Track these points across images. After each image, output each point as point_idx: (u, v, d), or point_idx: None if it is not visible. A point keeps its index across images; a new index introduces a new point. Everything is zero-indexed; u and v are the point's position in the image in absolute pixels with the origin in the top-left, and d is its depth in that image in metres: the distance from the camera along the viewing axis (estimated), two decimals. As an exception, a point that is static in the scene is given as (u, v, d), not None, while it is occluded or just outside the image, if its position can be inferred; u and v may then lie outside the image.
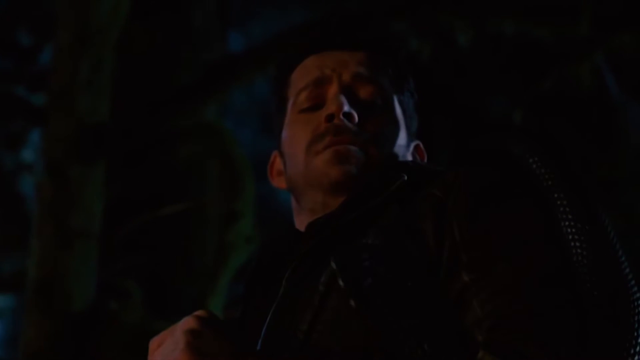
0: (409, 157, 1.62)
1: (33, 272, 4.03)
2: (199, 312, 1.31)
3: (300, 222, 1.54)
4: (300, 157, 1.55)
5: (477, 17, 4.14)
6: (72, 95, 4.20)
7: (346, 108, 1.53)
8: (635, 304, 1.30)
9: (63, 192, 4.09)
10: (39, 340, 3.91)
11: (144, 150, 4.30)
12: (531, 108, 4.37)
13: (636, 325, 1.28)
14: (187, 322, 1.29)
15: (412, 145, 1.64)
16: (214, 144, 4.23)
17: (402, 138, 1.59)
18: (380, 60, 1.63)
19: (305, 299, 1.36)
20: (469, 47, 4.35)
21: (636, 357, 1.26)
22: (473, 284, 1.29)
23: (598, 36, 4.05)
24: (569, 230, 1.34)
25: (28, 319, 4.02)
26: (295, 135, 1.59)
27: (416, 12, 4.04)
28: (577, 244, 1.32)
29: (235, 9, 5.63)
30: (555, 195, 1.36)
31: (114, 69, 4.27)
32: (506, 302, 1.27)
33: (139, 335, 3.87)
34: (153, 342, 1.34)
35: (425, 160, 1.67)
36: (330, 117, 1.54)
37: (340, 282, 1.32)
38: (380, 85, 1.60)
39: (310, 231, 1.45)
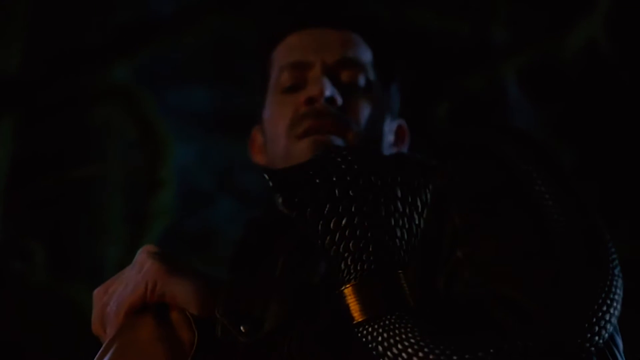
0: (391, 138, 1.63)
1: None
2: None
3: None
4: (281, 140, 1.55)
5: (398, 7, 4.21)
6: (-19, 45, 4.02)
7: (328, 92, 1.52)
8: (614, 270, 1.33)
9: (-32, 145, 3.91)
10: None
11: (54, 108, 4.15)
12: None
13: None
14: (145, 247, 1.28)
15: (395, 124, 1.65)
16: (129, 107, 4.12)
17: (384, 122, 1.60)
18: (364, 40, 1.63)
19: (305, 281, 1.35)
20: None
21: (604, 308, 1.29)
22: (465, 258, 1.30)
23: (518, 40, 4.19)
24: (546, 200, 1.36)
25: None
26: (276, 115, 1.58)
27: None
28: (558, 218, 1.33)
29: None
30: (537, 188, 1.37)
31: (28, 21, 4.10)
32: (493, 267, 1.28)
33: (42, 297, 3.74)
34: (98, 291, 1.30)
35: (407, 138, 1.69)
36: (310, 100, 1.53)
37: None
38: (363, 68, 1.59)
39: None
